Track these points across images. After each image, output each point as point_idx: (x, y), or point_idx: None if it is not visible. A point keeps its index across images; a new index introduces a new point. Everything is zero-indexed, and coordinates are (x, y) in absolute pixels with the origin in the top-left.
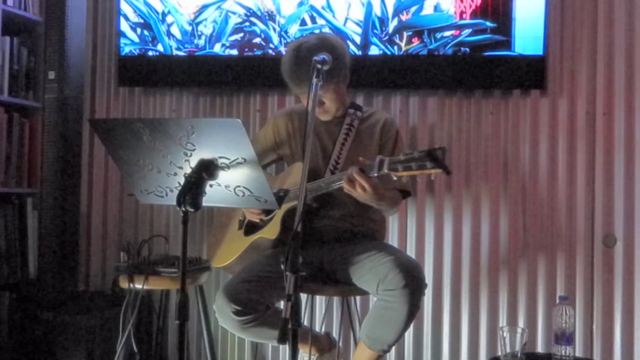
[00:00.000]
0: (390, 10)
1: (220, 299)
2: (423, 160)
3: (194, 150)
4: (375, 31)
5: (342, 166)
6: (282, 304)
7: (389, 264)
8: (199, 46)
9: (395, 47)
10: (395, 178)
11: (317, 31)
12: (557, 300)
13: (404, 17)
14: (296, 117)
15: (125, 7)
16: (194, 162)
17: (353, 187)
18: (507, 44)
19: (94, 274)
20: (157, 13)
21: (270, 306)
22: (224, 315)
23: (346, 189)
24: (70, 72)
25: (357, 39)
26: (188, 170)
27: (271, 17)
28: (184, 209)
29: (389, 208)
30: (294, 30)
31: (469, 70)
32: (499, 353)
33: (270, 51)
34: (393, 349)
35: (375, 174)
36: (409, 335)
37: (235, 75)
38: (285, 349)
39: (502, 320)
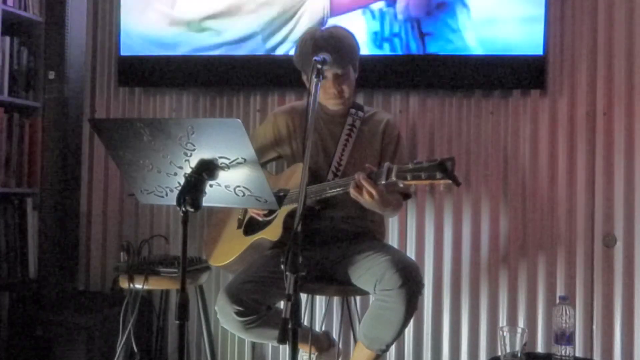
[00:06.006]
0: None
1: (221, 300)
2: (433, 171)
3: (194, 150)
4: None
5: (344, 168)
6: (282, 304)
7: (385, 264)
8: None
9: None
10: (402, 186)
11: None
12: (557, 300)
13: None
14: (297, 115)
15: None
16: (194, 162)
17: (360, 194)
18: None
19: (94, 274)
20: None
21: (272, 306)
22: (226, 317)
23: (353, 195)
24: (70, 72)
25: None
26: (188, 170)
27: None
28: (184, 209)
29: (393, 212)
30: None
31: (469, 70)
32: (499, 353)
33: None
34: (393, 349)
35: (383, 182)
36: (409, 335)
37: (235, 75)
38: (285, 349)
39: (502, 320)
